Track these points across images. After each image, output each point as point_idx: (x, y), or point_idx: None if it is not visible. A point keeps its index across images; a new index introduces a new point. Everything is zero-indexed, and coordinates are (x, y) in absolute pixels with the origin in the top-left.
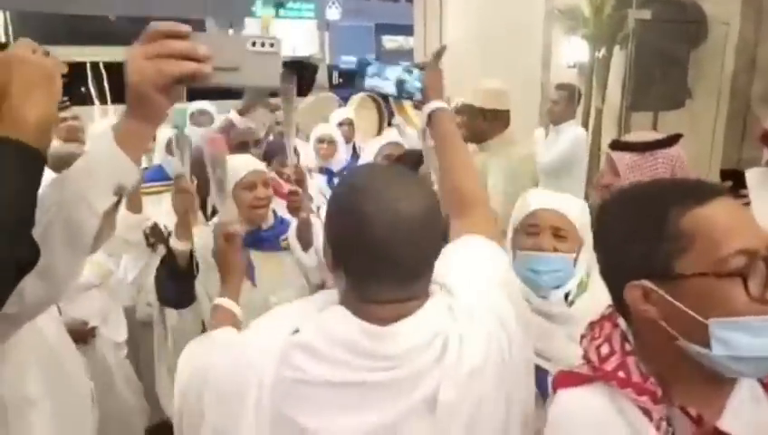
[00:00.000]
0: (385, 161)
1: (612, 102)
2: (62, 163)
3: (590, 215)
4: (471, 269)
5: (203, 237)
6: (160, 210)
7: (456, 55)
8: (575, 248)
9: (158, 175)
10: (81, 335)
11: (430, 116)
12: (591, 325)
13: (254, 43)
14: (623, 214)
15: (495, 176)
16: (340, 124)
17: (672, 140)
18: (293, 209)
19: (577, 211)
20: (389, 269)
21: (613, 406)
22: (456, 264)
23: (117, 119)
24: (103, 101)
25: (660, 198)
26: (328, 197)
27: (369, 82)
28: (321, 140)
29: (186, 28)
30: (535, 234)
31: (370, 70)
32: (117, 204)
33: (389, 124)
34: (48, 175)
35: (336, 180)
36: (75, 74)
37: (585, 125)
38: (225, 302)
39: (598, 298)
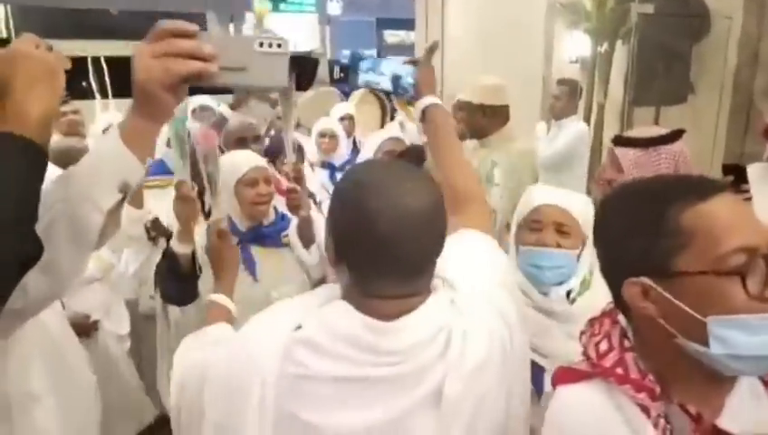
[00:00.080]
0: (385, 157)
1: (614, 97)
2: (63, 157)
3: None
4: (469, 263)
5: (203, 236)
6: (162, 204)
7: (458, 50)
8: (578, 244)
9: (160, 169)
10: (84, 329)
11: (424, 112)
12: (591, 322)
13: (261, 44)
14: (623, 209)
15: (496, 171)
16: (341, 119)
17: (675, 135)
18: (293, 208)
19: (581, 207)
20: (393, 264)
21: (611, 402)
22: (454, 258)
23: (118, 113)
24: (104, 95)
25: (660, 194)
26: (330, 191)
27: (364, 77)
28: (322, 135)
29: (193, 27)
30: (538, 229)
31: (365, 65)
32: (122, 201)
33: (392, 119)
34: (49, 169)
35: (338, 175)
36: (76, 68)
37: (587, 120)
38: (220, 298)
39: (600, 296)
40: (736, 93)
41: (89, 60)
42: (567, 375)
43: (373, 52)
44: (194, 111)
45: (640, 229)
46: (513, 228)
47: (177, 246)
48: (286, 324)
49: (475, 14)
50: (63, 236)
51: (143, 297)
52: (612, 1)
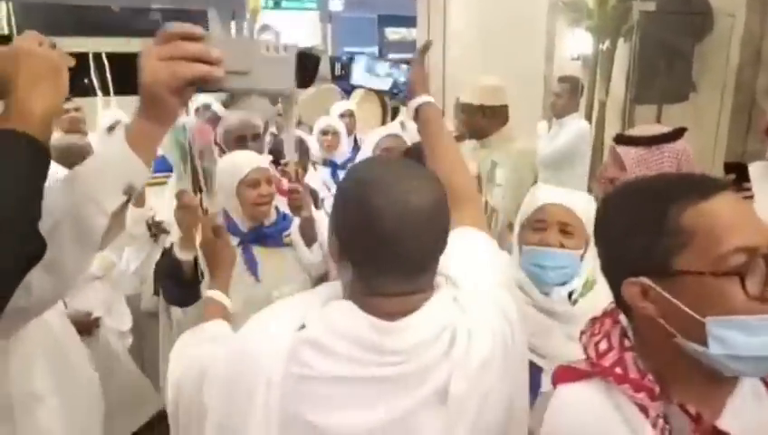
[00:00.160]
0: (384, 154)
1: (616, 95)
2: (64, 154)
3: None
4: (471, 261)
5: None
6: (163, 201)
7: (460, 47)
8: (582, 245)
9: (161, 166)
10: (85, 326)
11: (417, 111)
12: (592, 321)
13: (267, 48)
14: (624, 208)
15: (498, 171)
16: (342, 116)
17: (677, 133)
18: (295, 208)
19: (585, 207)
20: (396, 262)
21: (610, 402)
22: (456, 255)
23: (121, 110)
24: (106, 92)
25: (661, 193)
26: (332, 189)
27: (358, 77)
28: (324, 132)
29: (200, 31)
30: (542, 229)
31: (358, 66)
32: (126, 203)
33: (393, 118)
34: (51, 167)
35: (340, 173)
36: (78, 65)
37: (588, 118)
38: (216, 294)
39: (602, 297)
40: (738, 92)
41: (90, 56)
42: (567, 374)
43: (374, 49)
44: (197, 109)
45: (641, 228)
46: (517, 228)
47: (180, 253)
48: (289, 324)
49: (477, 11)
50: (68, 237)
51: (145, 294)
52: None
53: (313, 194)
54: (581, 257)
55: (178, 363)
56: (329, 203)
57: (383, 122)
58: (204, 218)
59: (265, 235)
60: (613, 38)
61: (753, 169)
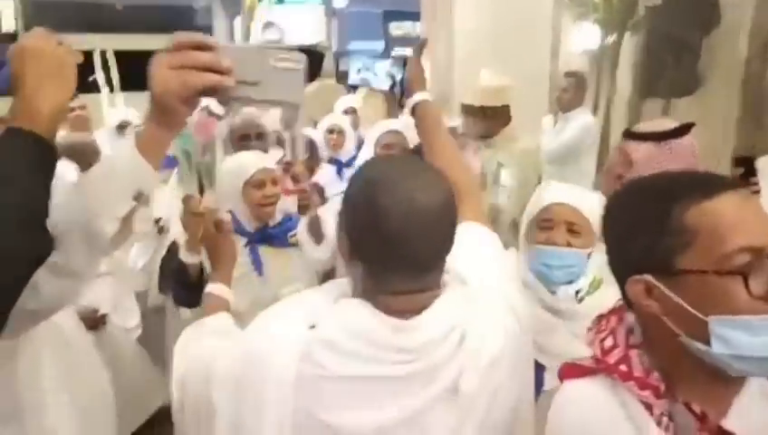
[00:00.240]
0: (384, 151)
1: (623, 89)
2: (69, 152)
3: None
4: (477, 257)
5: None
6: (163, 197)
7: (466, 41)
8: (589, 244)
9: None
10: (93, 323)
11: (414, 108)
12: (599, 318)
13: (276, 59)
14: (629, 206)
15: (503, 172)
16: (345, 112)
17: (686, 129)
18: (303, 208)
19: (592, 206)
20: (405, 260)
21: (615, 399)
22: (462, 251)
23: (130, 108)
24: (111, 88)
25: (666, 192)
26: (338, 187)
27: (356, 76)
28: (330, 131)
29: (211, 40)
30: (549, 228)
31: (356, 65)
32: (135, 208)
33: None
34: (59, 165)
35: (345, 171)
36: (83, 63)
37: (595, 112)
38: (218, 288)
39: (609, 295)
40: (747, 85)
41: (96, 54)
42: (572, 370)
43: (380, 44)
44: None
45: (645, 226)
46: (523, 227)
47: (186, 257)
48: (301, 323)
49: (483, 5)
50: (78, 242)
51: (152, 290)
52: None
53: (319, 191)
54: (588, 256)
55: (182, 360)
56: (334, 200)
57: (388, 117)
58: (206, 213)
59: (271, 235)
60: (620, 32)
61: (762, 163)
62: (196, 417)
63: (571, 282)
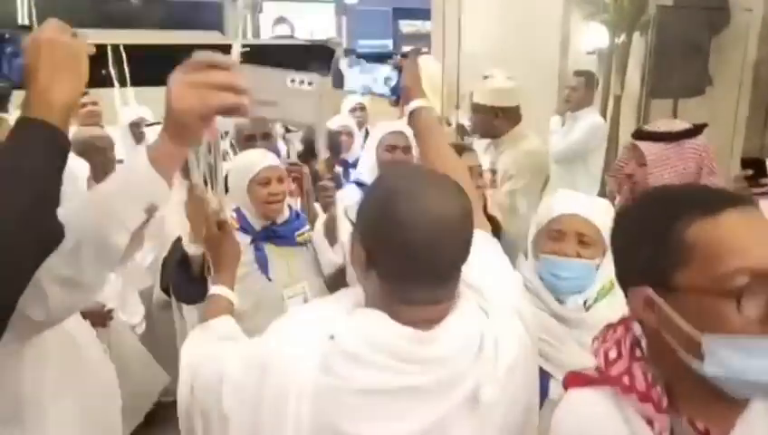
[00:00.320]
0: (388, 152)
1: (632, 89)
2: (81, 147)
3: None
4: (488, 267)
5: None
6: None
7: (475, 40)
8: (599, 254)
9: None
10: (99, 318)
11: (411, 115)
12: (607, 328)
13: (293, 80)
14: (636, 218)
15: (508, 171)
16: (353, 110)
17: (698, 129)
18: (326, 205)
19: (602, 216)
20: (422, 271)
21: (617, 410)
22: (474, 261)
23: (142, 107)
24: (123, 83)
25: (669, 206)
26: (343, 186)
27: (354, 80)
28: (339, 133)
29: (230, 60)
30: (559, 239)
31: (356, 69)
32: (146, 221)
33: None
34: (70, 160)
35: (351, 171)
36: (96, 57)
37: (603, 112)
38: (221, 290)
39: (617, 304)
40: (756, 86)
41: (108, 48)
42: (576, 380)
43: (389, 42)
44: None
45: (648, 239)
46: (532, 234)
47: (190, 248)
48: (318, 335)
49: (493, 4)
50: (89, 255)
51: (157, 287)
52: None
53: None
54: (597, 267)
55: (189, 363)
56: (341, 202)
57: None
58: (210, 212)
59: (277, 234)
60: (629, 32)
61: None
62: (208, 423)
63: (579, 292)
